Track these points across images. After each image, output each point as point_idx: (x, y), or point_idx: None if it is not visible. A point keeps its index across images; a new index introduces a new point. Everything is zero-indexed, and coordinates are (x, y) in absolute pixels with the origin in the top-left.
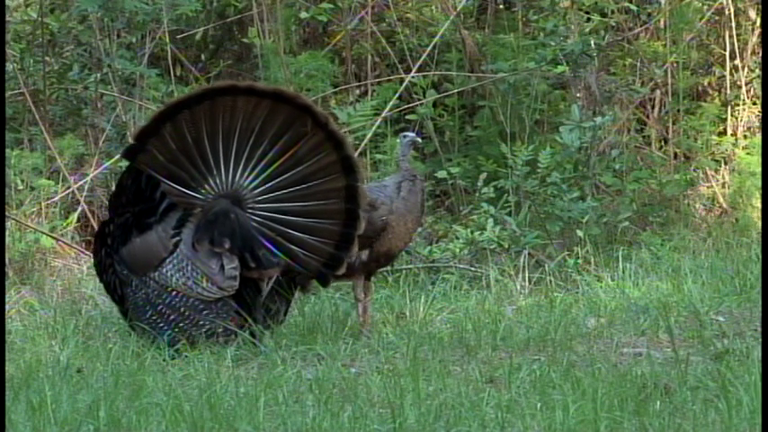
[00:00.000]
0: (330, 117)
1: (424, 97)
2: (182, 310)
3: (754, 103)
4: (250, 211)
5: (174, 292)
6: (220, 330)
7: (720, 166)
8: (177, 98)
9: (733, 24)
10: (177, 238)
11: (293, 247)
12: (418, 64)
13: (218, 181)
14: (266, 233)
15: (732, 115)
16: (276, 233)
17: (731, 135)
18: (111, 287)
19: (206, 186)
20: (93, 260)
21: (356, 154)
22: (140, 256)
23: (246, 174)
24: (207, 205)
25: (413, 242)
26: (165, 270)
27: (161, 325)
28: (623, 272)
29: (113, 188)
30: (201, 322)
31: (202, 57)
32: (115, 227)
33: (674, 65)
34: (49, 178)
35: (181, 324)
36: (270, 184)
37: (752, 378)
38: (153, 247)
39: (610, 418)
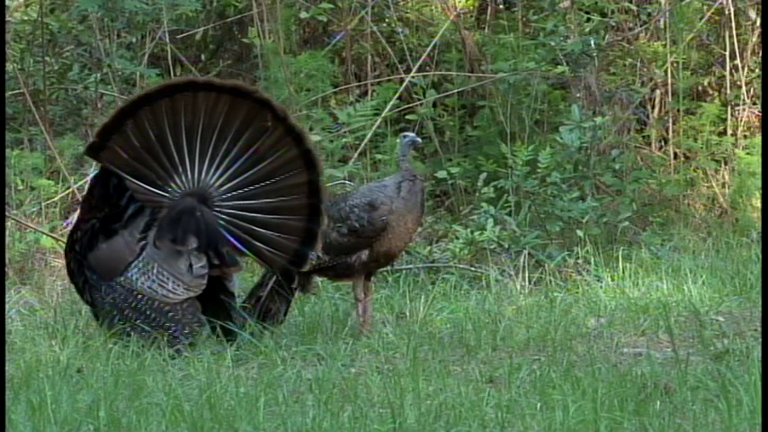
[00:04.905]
0: (288, 111)
1: (424, 97)
2: (147, 312)
3: (754, 103)
4: (217, 209)
5: (140, 296)
6: (186, 332)
7: (720, 166)
8: (137, 94)
9: (733, 24)
10: (144, 242)
11: (259, 244)
12: (418, 64)
13: (183, 179)
14: (233, 231)
15: (732, 115)
16: (242, 231)
17: (731, 135)
18: (83, 291)
19: (172, 184)
20: (66, 266)
21: (316, 147)
22: (107, 262)
23: (212, 171)
24: (172, 203)
25: (413, 242)
26: (130, 274)
27: (127, 329)
28: (623, 272)
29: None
30: (167, 324)
31: (202, 57)
32: (82, 233)
33: (674, 65)
34: (49, 178)
35: (147, 327)
36: (235, 181)
37: (752, 378)
38: (120, 251)
39: (610, 418)
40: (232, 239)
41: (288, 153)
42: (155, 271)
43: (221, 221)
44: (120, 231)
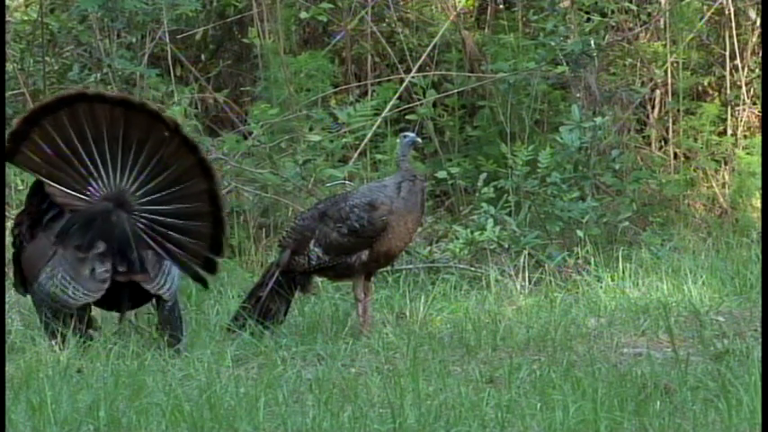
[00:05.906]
0: (179, 122)
1: (424, 97)
2: (55, 315)
3: (754, 103)
4: (136, 213)
5: (49, 299)
6: (80, 336)
7: (720, 166)
8: (34, 105)
9: (733, 24)
10: (56, 246)
11: (175, 248)
12: (418, 64)
13: (101, 183)
14: (152, 236)
15: (732, 115)
16: (160, 235)
17: (731, 135)
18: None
19: (90, 188)
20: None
21: (209, 157)
22: (30, 263)
23: (126, 177)
24: (89, 207)
25: (413, 242)
26: (41, 278)
27: (42, 330)
28: (623, 272)
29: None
30: (65, 328)
31: (202, 57)
32: (18, 240)
33: (674, 65)
34: None
35: (58, 329)
36: (148, 186)
37: (752, 378)
38: (38, 255)
39: (610, 418)
40: (153, 244)
41: (186, 161)
42: (59, 276)
43: (141, 226)
44: (39, 235)
